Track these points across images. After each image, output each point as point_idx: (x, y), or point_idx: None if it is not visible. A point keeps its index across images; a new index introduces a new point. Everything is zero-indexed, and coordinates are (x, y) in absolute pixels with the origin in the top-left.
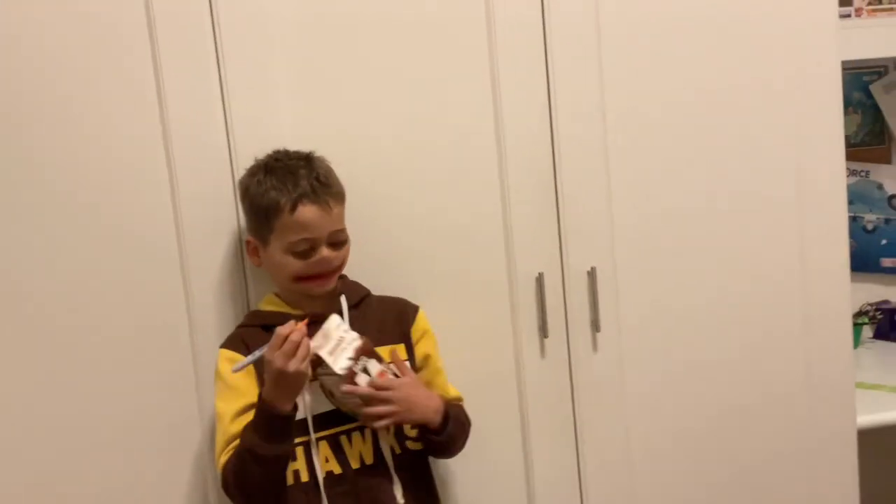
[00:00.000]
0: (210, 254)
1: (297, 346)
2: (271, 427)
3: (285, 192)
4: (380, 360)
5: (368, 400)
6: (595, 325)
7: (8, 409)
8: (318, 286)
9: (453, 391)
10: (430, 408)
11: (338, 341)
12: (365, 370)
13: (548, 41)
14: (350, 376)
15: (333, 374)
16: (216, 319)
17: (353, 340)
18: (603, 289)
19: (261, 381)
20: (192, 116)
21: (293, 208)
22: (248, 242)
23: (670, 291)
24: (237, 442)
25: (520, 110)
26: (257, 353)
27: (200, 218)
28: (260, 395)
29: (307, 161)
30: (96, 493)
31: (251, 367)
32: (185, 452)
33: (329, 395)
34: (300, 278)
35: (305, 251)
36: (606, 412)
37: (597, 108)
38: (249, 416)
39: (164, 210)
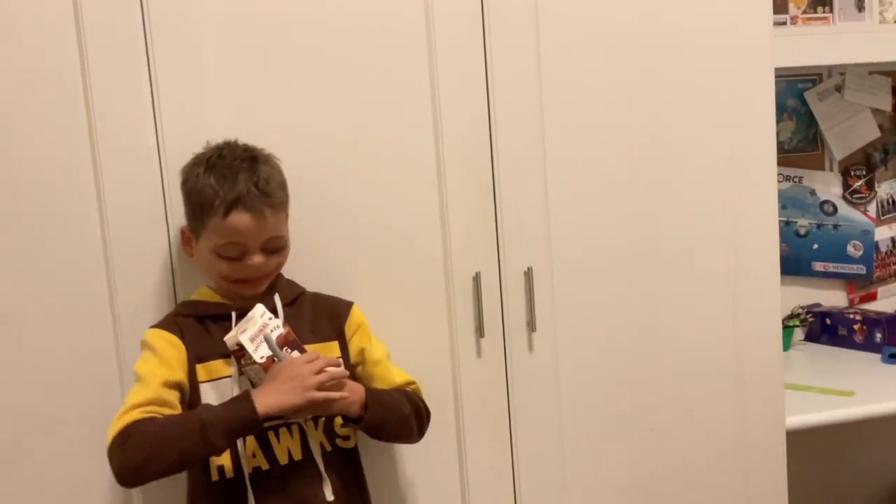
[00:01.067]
0: (137, 250)
1: (329, 377)
2: (238, 419)
3: (220, 194)
4: (303, 351)
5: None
6: (531, 326)
7: None
8: (247, 289)
9: (400, 377)
10: (355, 399)
11: (261, 328)
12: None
13: (487, 42)
14: (268, 365)
15: (255, 363)
16: (142, 315)
17: (276, 328)
18: (539, 289)
19: (193, 373)
20: (119, 112)
21: (226, 213)
22: (182, 232)
23: (606, 292)
24: (154, 410)
25: (459, 110)
26: (274, 348)
27: (128, 216)
28: (250, 393)
29: (251, 162)
30: (16, 489)
31: (184, 353)
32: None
33: (254, 387)
34: (228, 279)
35: (235, 256)
36: (541, 412)
37: (535, 109)
38: (176, 393)
39: (89, 208)
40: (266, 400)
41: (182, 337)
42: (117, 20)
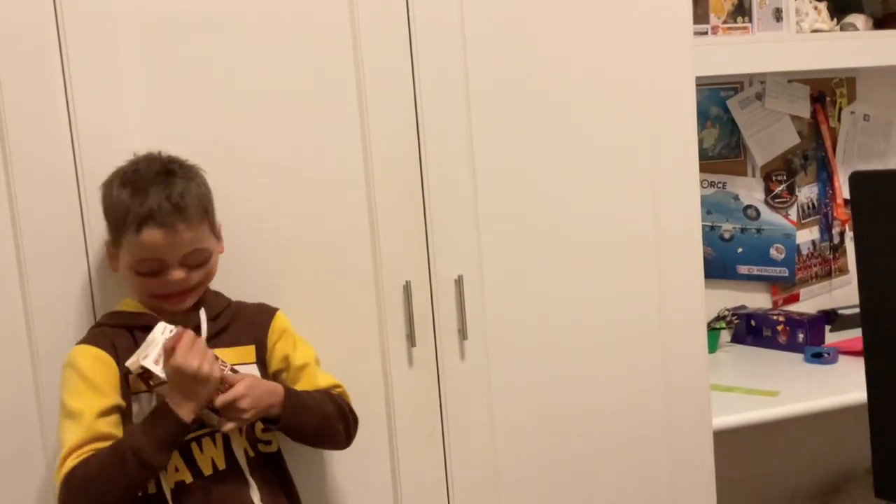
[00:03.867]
0: (54, 266)
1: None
2: (168, 434)
3: (132, 210)
4: (215, 357)
5: (223, 408)
6: (462, 333)
7: None
8: (171, 305)
9: (325, 381)
10: (274, 401)
11: (163, 345)
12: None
13: (414, 53)
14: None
15: (160, 383)
16: (61, 334)
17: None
18: (470, 297)
19: (126, 384)
20: (34, 127)
21: (138, 229)
22: (107, 247)
23: (534, 298)
24: (93, 448)
25: (387, 119)
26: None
27: (43, 232)
28: (164, 401)
29: (166, 175)
30: None
31: (115, 368)
32: (27, 485)
33: None
34: (152, 295)
35: (153, 271)
36: (474, 419)
37: (463, 119)
38: (114, 418)
39: (2, 223)
40: (181, 405)
41: (114, 350)
42: (30, 33)
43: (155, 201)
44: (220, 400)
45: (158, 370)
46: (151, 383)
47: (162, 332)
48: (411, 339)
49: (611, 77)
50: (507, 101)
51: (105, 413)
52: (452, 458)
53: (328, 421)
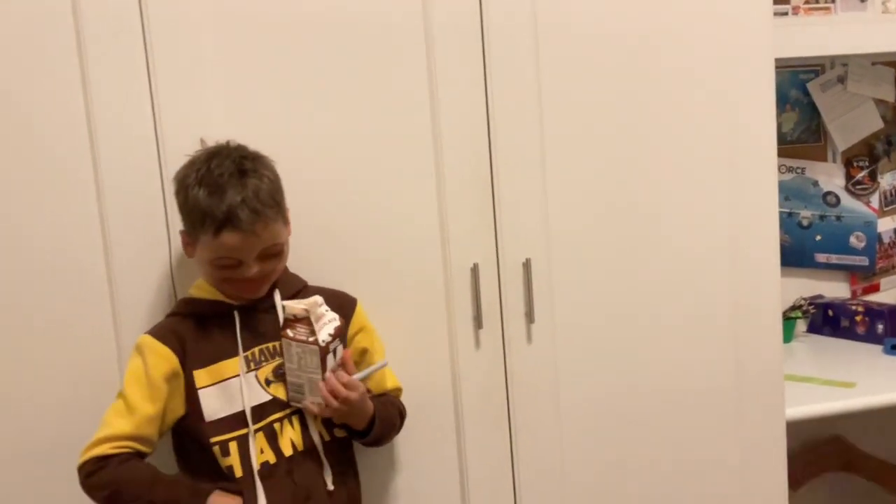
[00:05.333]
0: (137, 249)
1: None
2: None
3: (209, 213)
4: (345, 346)
5: (335, 393)
6: (529, 317)
7: None
8: (247, 293)
9: (391, 382)
10: (365, 415)
11: (321, 315)
12: (335, 352)
13: (486, 34)
14: (325, 351)
15: (306, 342)
16: (142, 315)
17: (334, 320)
18: (538, 280)
19: (190, 380)
20: (118, 112)
21: (216, 233)
22: (182, 234)
23: (604, 283)
24: (124, 445)
25: (457, 101)
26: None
27: (127, 216)
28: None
29: (240, 176)
30: (15, 484)
31: (176, 365)
32: None
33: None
34: (227, 282)
35: (230, 266)
36: (540, 402)
37: (534, 101)
38: (156, 424)
39: (88, 205)
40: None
41: (179, 346)
42: (116, 18)
43: (233, 205)
44: (344, 395)
45: (318, 327)
46: (292, 335)
47: (320, 302)
48: (478, 322)
49: (687, 59)
50: (579, 84)
51: (151, 419)
52: (518, 440)
53: (392, 432)
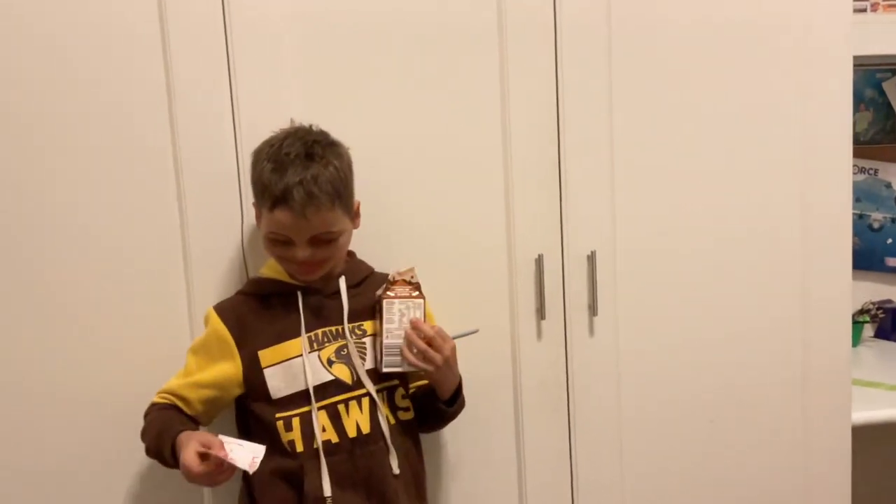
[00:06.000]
0: (211, 224)
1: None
2: (167, 457)
3: (269, 188)
4: None
5: (431, 341)
6: (593, 309)
7: (13, 370)
8: (300, 273)
9: None
10: (454, 379)
11: (419, 282)
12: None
13: (558, 25)
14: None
15: (410, 297)
16: (214, 290)
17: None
18: (602, 273)
19: (255, 360)
20: (198, 91)
21: (271, 207)
22: (254, 205)
23: (669, 278)
24: (170, 398)
25: (526, 93)
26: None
27: (204, 191)
28: (178, 438)
29: (307, 159)
30: (94, 453)
31: (232, 347)
32: None
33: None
34: (282, 261)
35: (282, 242)
36: (600, 396)
37: (604, 92)
38: (201, 392)
39: (166, 184)
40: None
41: (236, 324)
42: (199, 17)
43: (289, 184)
44: (436, 339)
45: (392, 319)
46: (392, 294)
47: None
48: (541, 313)
49: (762, 54)
50: (650, 76)
51: (197, 385)
52: (577, 432)
53: (460, 412)
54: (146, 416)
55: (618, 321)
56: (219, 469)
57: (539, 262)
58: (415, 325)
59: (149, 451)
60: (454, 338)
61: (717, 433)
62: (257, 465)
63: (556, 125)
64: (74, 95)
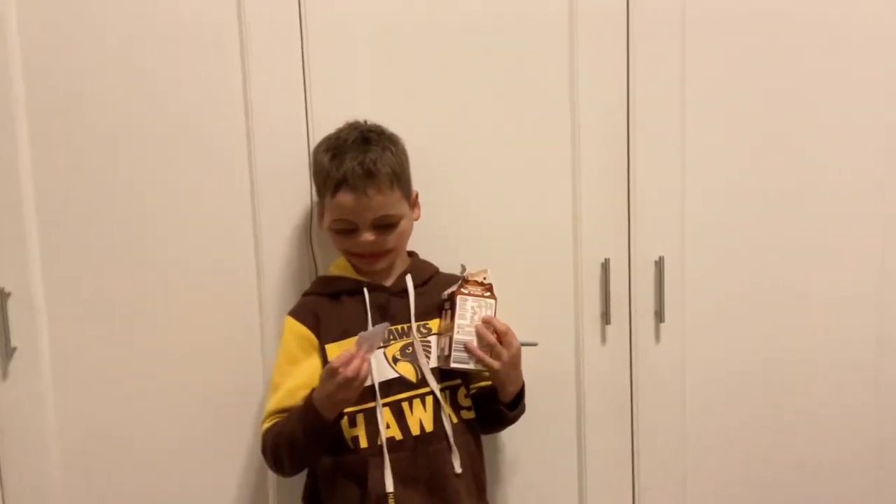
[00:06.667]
0: (282, 224)
1: (353, 378)
2: (313, 428)
3: (330, 174)
4: None
5: (502, 337)
6: (659, 316)
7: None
8: (364, 264)
9: None
10: (518, 381)
11: (491, 284)
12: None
13: (630, 29)
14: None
15: (482, 296)
16: (283, 281)
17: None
18: (670, 279)
19: (324, 354)
20: (273, 93)
21: (333, 192)
22: (318, 205)
23: (740, 286)
24: (283, 414)
25: (596, 95)
26: (376, 332)
27: (274, 186)
28: (310, 396)
29: (364, 143)
30: (166, 451)
31: (314, 341)
32: (246, 417)
33: (401, 352)
34: (347, 253)
35: (347, 231)
36: (665, 403)
37: (676, 96)
38: (301, 393)
39: (240, 181)
40: (325, 406)
41: (314, 323)
42: (276, 14)
43: (349, 167)
44: (502, 333)
45: (464, 318)
46: (466, 291)
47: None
48: (606, 317)
49: (843, 52)
50: (724, 78)
51: (291, 391)
52: (640, 438)
53: (520, 416)
54: (264, 448)
55: (685, 328)
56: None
57: (605, 266)
58: (486, 321)
59: (294, 460)
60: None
61: (784, 446)
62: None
63: (625, 126)
64: (154, 98)
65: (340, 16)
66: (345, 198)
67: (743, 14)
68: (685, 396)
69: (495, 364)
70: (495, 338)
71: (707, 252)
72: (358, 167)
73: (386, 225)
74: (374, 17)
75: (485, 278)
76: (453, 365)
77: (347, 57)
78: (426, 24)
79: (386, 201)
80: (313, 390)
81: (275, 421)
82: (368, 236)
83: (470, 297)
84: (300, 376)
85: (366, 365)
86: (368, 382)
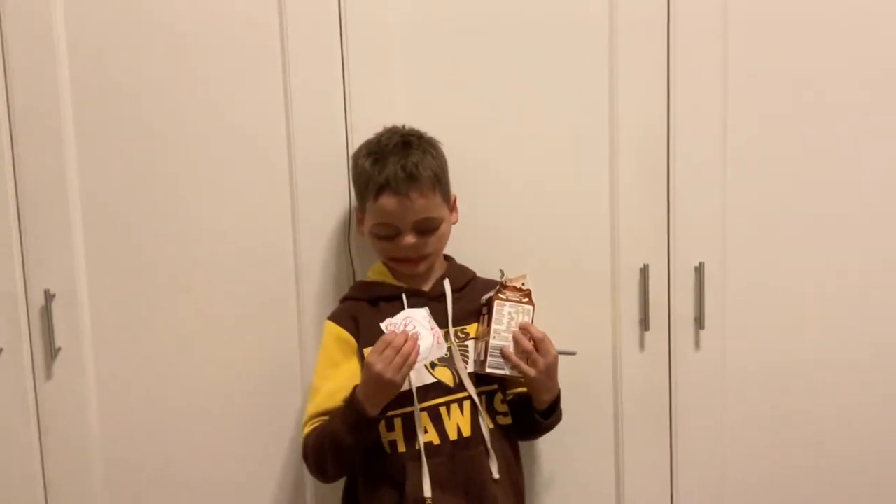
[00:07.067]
0: (321, 228)
1: (398, 355)
2: (357, 424)
3: (373, 178)
4: None
5: (538, 344)
6: (699, 322)
7: (132, 370)
8: (406, 268)
9: None
10: (553, 388)
11: (530, 289)
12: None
13: (671, 32)
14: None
15: (520, 302)
16: (321, 286)
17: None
18: (710, 285)
19: (363, 357)
20: (313, 96)
21: (376, 196)
22: (357, 212)
23: (782, 292)
24: (320, 420)
25: (636, 99)
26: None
27: (315, 195)
28: (354, 392)
29: (405, 147)
30: (207, 452)
31: (354, 345)
32: (285, 419)
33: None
34: (389, 258)
35: (389, 235)
36: (704, 412)
37: (717, 99)
38: (341, 394)
39: (280, 185)
40: (369, 400)
41: (355, 327)
42: (316, 19)
43: (391, 170)
44: (539, 341)
45: (501, 321)
46: (504, 297)
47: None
48: (644, 324)
49: (881, 59)
50: (766, 82)
51: (331, 393)
52: (679, 447)
53: (557, 423)
54: (306, 452)
55: (725, 335)
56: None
57: (644, 271)
58: (524, 327)
59: (337, 461)
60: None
61: (824, 456)
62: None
63: (665, 128)
64: (198, 102)
65: (378, 18)
66: (387, 201)
67: (786, 19)
68: (725, 405)
69: (531, 371)
70: (532, 345)
71: (749, 258)
72: (400, 170)
73: (427, 228)
74: (410, 20)
75: (523, 284)
76: (488, 370)
77: (384, 60)
78: (462, 28)
79: (428, 204)
80: (356, 387)
81: (315, 424)
82: (410, 239)
83: (507, 303)
84: (340, 379)
85: (411, 343)
86: (406, 387)
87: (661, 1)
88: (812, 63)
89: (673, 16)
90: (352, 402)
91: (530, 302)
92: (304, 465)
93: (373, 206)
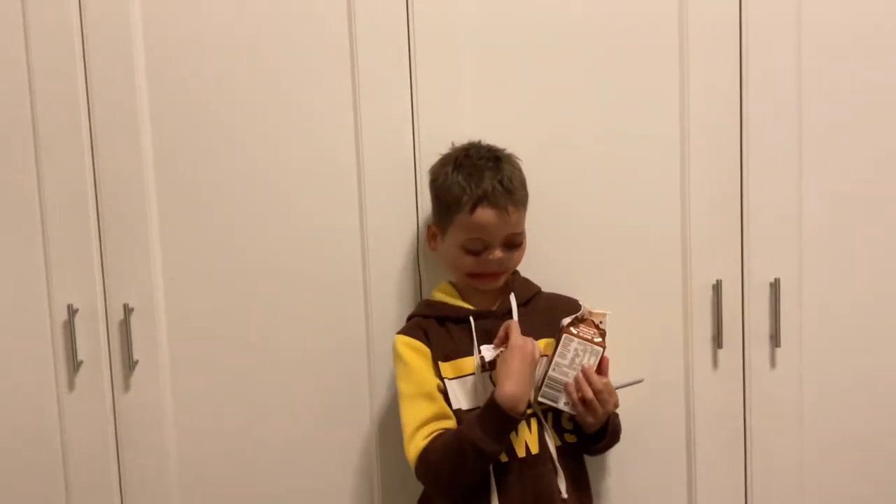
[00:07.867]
0: (389, 240)
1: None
2: (504, 426)
3: (468, 191)
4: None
5: (599, 394)
6: (775, 340)
7: (204, 395)
8: (486, 283)
9: None
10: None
11: (605, 330)
12: None
13: (744, 41)
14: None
15: (591, 342)
16: (390, 302)
17: (605, 334)
18: (786, 302)
19: (438, 370)
20: (382, 111)
21: (472, 209)
22: (429, 227)
23: (861, 308)
24: (433, 428)
25: (707, 107)
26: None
27: (383, 207)
28: (493, 395)
29: (496, 161)
30: (279, 463)
31: (429, 355)
32: (355, 429)
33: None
34: (470, 274)
35: (478, 250)
36: (780, 432)
37: (793, 111)
38: (438, 397)
39: (349, 196)
40: (503, 392)
41: (427, 340)
42: (385, 31)
43: (489, 184)
44: (601, 386)
45: (566, 353)
46: (575, 331)
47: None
48: (717, 341)
49: None
50: (843, 91)
51: (430, 394)
52: (753, 467)
53: (613, 445)
54: (428, 466)
55: (802, 354)
56: None
57: (717, 287)
58: (587, 375)
59: (476, 471)
60: (618, 387)
61: None
62: None
63: (738, 140)
64: (269, 108)
65: (445, 28)
66: (485, 214)
67: (862, 23)
68: (802, 425)
69: (588, 418)
70: (592, 394)
71: (826, 274)
72: (498, 185)
73: (514, 243)
74: (478, 26)
75: (601, 322)
76: (541, 399)
77: (452, 68)
78: (528, 33)
79: (520, 219)
80: (493, 393)
81: (432, 437)
82: (498, 254)
83: (576, 339)
84: (431, 379)
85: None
86: (475, 404)
87: (733, 13)
88: (890, 72)
89: (745, 26)
90: (495, 406)
91: (602, 344)
92: (421, 480)
93: (466, 219)
